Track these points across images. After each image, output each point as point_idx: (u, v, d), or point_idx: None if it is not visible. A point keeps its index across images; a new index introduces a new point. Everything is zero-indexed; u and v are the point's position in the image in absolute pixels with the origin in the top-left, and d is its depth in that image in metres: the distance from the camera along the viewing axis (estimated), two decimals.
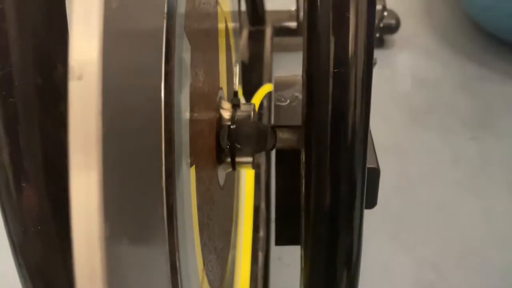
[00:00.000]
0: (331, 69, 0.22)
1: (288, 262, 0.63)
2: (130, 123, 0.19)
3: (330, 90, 0.24)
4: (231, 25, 0.44)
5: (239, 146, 0.31)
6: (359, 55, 0.22)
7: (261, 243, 0.58)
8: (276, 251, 0.63)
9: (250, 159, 0.34)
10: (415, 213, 0.69)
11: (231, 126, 0.31)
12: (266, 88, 0.73)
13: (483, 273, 0.62)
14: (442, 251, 0.64)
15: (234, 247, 0.50)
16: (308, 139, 0.25)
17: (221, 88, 0.35)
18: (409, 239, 0.66)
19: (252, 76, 0.77)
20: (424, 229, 0.67)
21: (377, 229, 0.66)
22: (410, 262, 0.63)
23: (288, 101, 0.30)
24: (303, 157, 0.27)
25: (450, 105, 0.86)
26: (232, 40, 0.45)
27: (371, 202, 0.29)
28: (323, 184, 0.26)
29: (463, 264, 0.63)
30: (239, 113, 0.32)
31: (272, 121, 0.30)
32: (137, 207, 0.20)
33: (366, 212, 0.27)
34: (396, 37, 0.98)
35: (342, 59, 0.22)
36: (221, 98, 0.33)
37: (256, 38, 0.87)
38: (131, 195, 0.19)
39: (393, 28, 0.96)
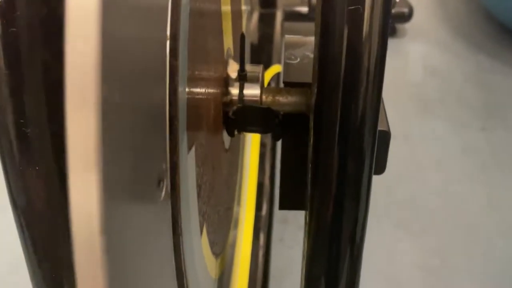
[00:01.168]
0: (346, 12, 0.21)
1: (291, 244, 0.62)
2: (132, 73, 0.18)
3: (344, 43, 0.23)
4: None
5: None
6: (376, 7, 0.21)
7: (264, 222, 0.57)
8: (278, 232, 0.62)
9: None
10: (422, 202, 0.68)
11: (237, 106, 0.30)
12: (275, 69, 0.72)
13: (488, 261, 0.61)
14: (448, 239, 0.63)
15: (236, 225, 0.50)
16: (318, 96, 0.24)
17: (229, 48, 0.34)
18: (414, 226, 0.65)
19: (262, 58, 0.76)
20: (430, 217, 0.66)
21: (382, 216, 0.65)
22: (414, 249, 0.62)
23: (298, 59, 0.29)
24: (312, 119, 0.26)
25: (461, 96, 0.84)
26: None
27: (381, 167, 0.28)
28: (332, 145, 0.25)
29: (468, 251, 0.62)
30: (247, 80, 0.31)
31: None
32: (138, 161, 0.19)
33: (371, 198, 0.26)
34: (408, 26, 0.97)
35: (356, 17, 0.21)
36: (228, 56, 0.33)
37: (266, 21, 0.86)
38: (132, 149, 0.19)
39: (405, 17, 0.95)
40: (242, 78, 0.30)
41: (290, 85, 0.29)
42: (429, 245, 0.63)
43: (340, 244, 0.25)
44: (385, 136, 0.28)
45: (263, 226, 0.58)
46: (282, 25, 0.87)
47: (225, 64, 0.32)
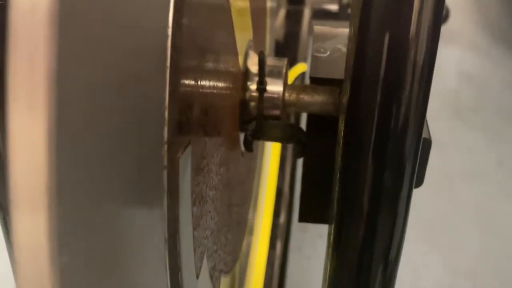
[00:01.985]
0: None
1: (309, 254, 0.58)
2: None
3: (387, 33, 0.19)
4: None
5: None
6: (426, 8, 0.17)
7: (281, 230, 0.53)
8: (296, 241, 0.58)
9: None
10: (452, 217, 0.63)
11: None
12: (300, 67, 0.68)
13: None
14: (480, 260, 0.58)
15: (252, 231, 0.46)
16: (352, 94, 0.21)
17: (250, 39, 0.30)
18: (444, 244, 0.60)
19: (286, 56, 0.72)
20: (461, 235, 0.61)
21: (408, 232, 0.60)
22: (443, 268, 0.58)
23: (328, 52, 0.25)
24: (342, 121, 0.23)
25: (498, 105, 0.79)
26: None
27: (419, 180, 0.24)
28: (366, 152, 0.21)
29: (502, 274, 0.57)
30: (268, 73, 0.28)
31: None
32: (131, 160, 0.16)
33: None
34: (444, 29, 0.92)
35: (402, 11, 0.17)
36: (249, 48, 0.29)
37: (293, 18, 0.83)
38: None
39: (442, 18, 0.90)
40: (261, 90, 0.27)
41: (318, 81, 0.25)
42: (460, 265, 0.58)
43: (370, 269, 0.22)
44: (426, 144, 0.24)
45: (280, 234, 0.54)
46: (309, 24, 0.83)
47: (245, 57, 0.29)
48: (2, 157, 0.18)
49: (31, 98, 0.11)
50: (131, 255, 0.16)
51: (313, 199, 0.27)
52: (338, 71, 0.23)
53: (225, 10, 0.25)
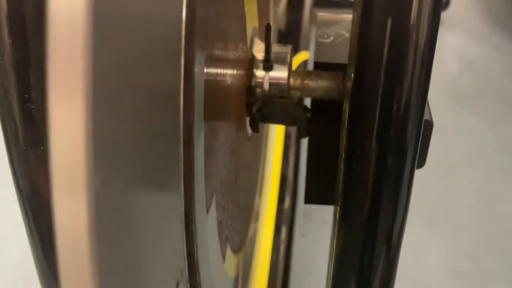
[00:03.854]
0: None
1: (314, 239, 0.59)
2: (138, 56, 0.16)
3: (389, 17, 0.19)
4: None
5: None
6: None
7: (286, 215, 0.54)
8: (301, 226, 0.59)
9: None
10: (454, 201, 0.64)
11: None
12: (302, 56, 0.69)
13: None
14: (481, 242, 0.59)
15: (257, 216, 0.47)
16: (356, 78, 0.21)
17: (254, 26, 0.31)
18: (446, 227, 0.61)
19: (288, 43, 0.73)
20: (462, 218, 0.62)
21: (410, 216, 0.61)
22: (445, 251, 0.59)
23: (332, 38, 0.26)
24: (346, 105, 0.23)
25: (499, 90, 0.80)
26: None
27: (420, 161, 0.25)
28: (370, 134, 0.22)
29: (504, 255, 0.58)
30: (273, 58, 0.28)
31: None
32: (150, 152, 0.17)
33: None
34: (445, 16, 0.92)
35: None
36: (254, 35, 0.30)
37: (295, 7, 0.83)
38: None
39: (443, 5, 0.90)
40: (268, 68, 0.28)
41: (322, 66, 0.26)
42: (461, 248, 0.59)
43: (375, 246, 0.23)
44: (428, 127, 0.24)
45: (285, 220, 0.55)
46: (311, 12, 0.84)
47: (251, 44, 0.30)
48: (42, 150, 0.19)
49: (70, 88, 0.12)
50: (151, 229, 0.17)
51: (318, 181, 0.28)
52: (342, 56, 0.24)
53: None
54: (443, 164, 0.68)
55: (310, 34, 0.78)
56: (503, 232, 0.61)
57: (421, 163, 0.25)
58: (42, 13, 0.14)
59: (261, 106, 0.29)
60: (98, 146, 0.14)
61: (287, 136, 0.59)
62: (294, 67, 0.74)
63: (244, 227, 0.38)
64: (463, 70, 0.84)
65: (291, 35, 0.74)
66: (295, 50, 0.69)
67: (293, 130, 0.59)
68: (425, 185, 0.65)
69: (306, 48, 0.71)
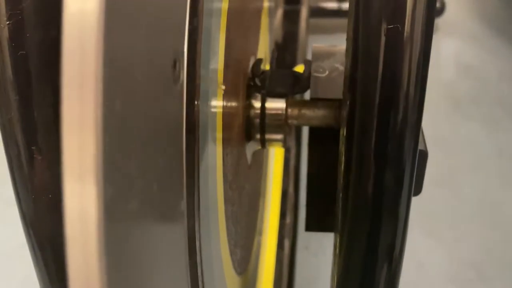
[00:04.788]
0: (383, 29, 0.19)
1: (316, 251, 0.60)
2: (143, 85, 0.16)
3: (381, 55, 0.20)
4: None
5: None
6: (418, 9, 0.18)
7: (288, 230, 0.55)
8: (303, 239, 0.60)
9: (280, 136, 0.31)
10: (455, 209, 0.64)
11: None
12: (300, 69, 0.69)
13: None
14: (484, 250, 0.60)
15: (260, 232, 0.48)
16: (351, 113, 0.22)
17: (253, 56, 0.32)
18: (448, 236, 0.62)
19: (285, 57, 0.74)
20: (464, 226, 0.63)
21: (412, 225, 0.62)
22: (447, 260, 0.59)
23: (327, 72, 0.26)
24: (343, 133, 0.24)
25: (497, 95, 0.80)
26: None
27: (417, 189, 0.26)
28: (367, 166, 0.22)
29: (506, 263, 0.58)
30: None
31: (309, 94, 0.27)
32: (152, 180, 0.17)
33: None
34: (440, 21, 0.92)
35: (397, 15, 0.18)
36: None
37: (291, 18, 0.83)
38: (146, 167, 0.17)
39: (437, 11, 0.91)
40: (265, 99, 0.28)
41: (316, 104, 0.27)
42: (463, 256, 0.60)
43: (375, 269, 0.23)
44: (423, 156, 0.25)
45: (288, 234, 0.56)
46: (307, 22, 0.84)
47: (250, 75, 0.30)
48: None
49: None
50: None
51: (318, 208, 0.29)
52: (337, 91, 0.24)
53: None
54: (443, 171, 0.69)
55: (307, 45, 0.79)
56: (506, 239, 0.61)
57: (418, 191, 0.26)
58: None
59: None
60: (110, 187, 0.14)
61: (287, 150, 0.60)
62: None
63: (248, 249, 0.38)
64: (460, 76, 0.85)
65: (288, 48, 0.75)
66: (293, 64, 0.70)
67: (293, 144, 0.60)
68: (425, 192, 0.65)
69: (303, 61, 0.72)
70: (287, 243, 0.56)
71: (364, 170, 0.22)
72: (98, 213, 0.14)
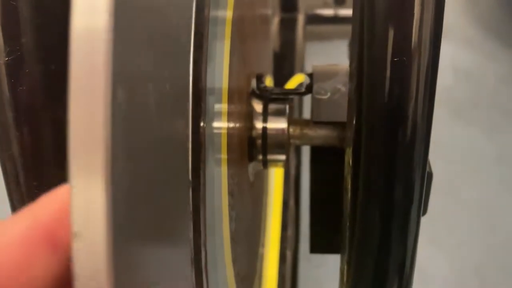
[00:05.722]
0: (389, 57, 0.19)
1: (318, 263, 0.60)
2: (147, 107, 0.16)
3: (387, 80, 0.20)
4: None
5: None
6: (424, 40, 0.18)
7: (290, 242, 0.55)
8: (305, 251, 0.60)
9: (282, 157, 0.30)
10: (456, 215, 0.64)
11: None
12: (298, 78, 0.69)
13: None
14: (486, 256, 0.60)
15: (263, 245, 0.48)
16: (357, 135, 0.22)
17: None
18: (449, 243, 0.62)
19: (283, 66, 0.73)
20: (465, 233, 0.62)
21: None
22: (450, 267, 0.59)
23: (329, 94, 0.26)
24: (349, 155, 0.24)
25: (495, 100, 0.80)
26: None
27: (423, 210, 0.26)
28: (374, 188, 0.22)
29: (509, 269, 0.58)
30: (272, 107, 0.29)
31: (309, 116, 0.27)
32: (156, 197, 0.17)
33: None
34: None
35: (403, 46, 0.18)
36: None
37: (287, 26, 0.83)
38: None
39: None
40: (266, 119, 0.28)
41: (320, 124, 0.26)
42: (466, 263, 0.59)
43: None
44: (428, 178, 0.25)
45: (290, 247, 0.55)
46: (304, 30, 0.84)
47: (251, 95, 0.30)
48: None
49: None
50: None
51: (322, 230, 0.28)
52: (340, 114, 0.24)
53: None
54: (443, 177, 0.69)
55: (305, 53, 0.79)
56: (508, 244, 0.61)
57: (424, 211, 0.26)
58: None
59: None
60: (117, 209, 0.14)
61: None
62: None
63: (253, 263, 0.38)
64: (457, 80, 0.85)
65: (286, 57, 0.75)
66: (291, 73, 0.70)
67: (293, 156, 0.60)
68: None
69: (301, 70, 0.72)
70: (289, 255, 0.55)
71: (371, 195, 0.22)
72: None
